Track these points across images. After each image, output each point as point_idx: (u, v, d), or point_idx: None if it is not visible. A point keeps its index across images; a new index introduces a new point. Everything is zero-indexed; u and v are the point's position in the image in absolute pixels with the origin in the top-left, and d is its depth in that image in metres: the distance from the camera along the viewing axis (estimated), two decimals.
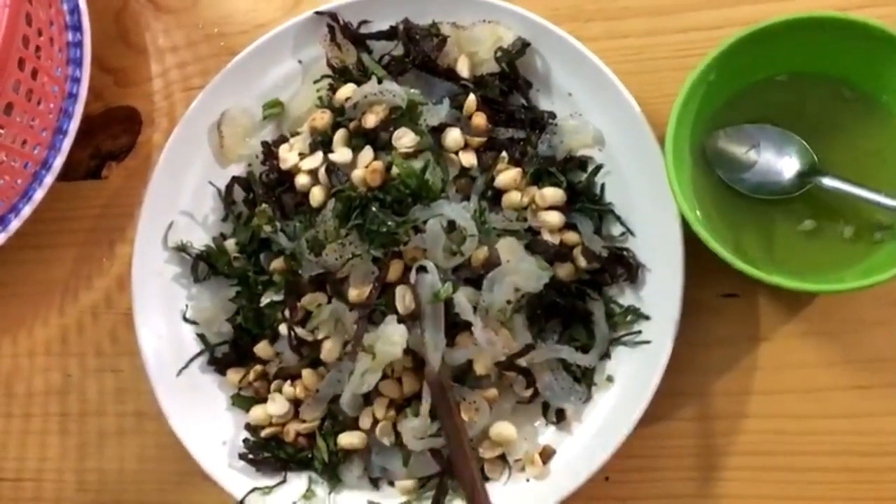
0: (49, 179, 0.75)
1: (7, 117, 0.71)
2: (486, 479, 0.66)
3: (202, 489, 0.70)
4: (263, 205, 0.70)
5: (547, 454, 0.65)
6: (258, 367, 0.70)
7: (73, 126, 0.75)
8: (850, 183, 0.61)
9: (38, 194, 0.75)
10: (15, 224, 0.74)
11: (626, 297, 0.66)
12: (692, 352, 0.66)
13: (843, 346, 0.65)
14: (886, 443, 0.64)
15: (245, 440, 0.70)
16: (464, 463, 0.63)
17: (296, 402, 0.69)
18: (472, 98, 0.68)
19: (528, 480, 0.65)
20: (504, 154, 0.67)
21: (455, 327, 0.63)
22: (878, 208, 0.60)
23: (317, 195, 0.67)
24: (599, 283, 0.66)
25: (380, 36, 0.71)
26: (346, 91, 0.69)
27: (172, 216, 0.73)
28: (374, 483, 0.68)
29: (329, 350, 0.66)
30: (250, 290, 0.70)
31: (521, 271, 0.63)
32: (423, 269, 0.63)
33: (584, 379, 0.65)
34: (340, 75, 0.72)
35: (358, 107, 0.68)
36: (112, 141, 0.80)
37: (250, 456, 0.69)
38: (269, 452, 0.69)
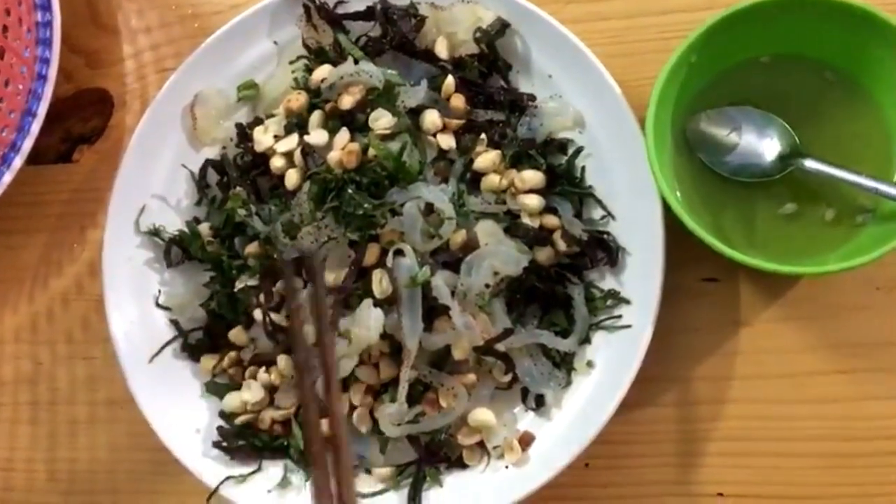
0: (18, 163, 0.73)
1: None
2: (465, 465, 0.65)
3: (176, 478, 0.68)
4: (238, 188, 0.69)
5: (526, 441, 0.64)
6: (232, 354, 0.69)
7: (43, 108, 0.73)
8: (832, 165, 0.60)
9: (7, 178, 0.73)
10: None
11: (607, 282, 0.65)
12: (672, 336, 0.65)
13: (824, 330, 0.65)
14: (868, 427, 0.64)
15: (219, 428, 0.68)
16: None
17: (271, 389, 0.68)
18: (450, 79, 0.67)
19: (507, 467, 0.64)
20: (483, 136, 0.66)
21: (433, 312, 0.62)
22: (859, 191, 0.59)
23: (292, 178, 0.66)
24: (579, 267, 0.65)
25: (357, 16, 0.70)
26: (322, 72, 0.68)
27: (145, 200, 0.71)
28: None
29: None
30: (224, 274, 0.69)
31: (499, 255, 0.62)
32: (400, 252, 0.62)
33: (564, 364, 0.65)
34: (316, 56, 0.70)
35: (334, 88, 0.66)
36: (83, 124, 0.79)
37: (224, 444, 0.68)
38: (244, 440, 0.67)
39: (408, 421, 0.63)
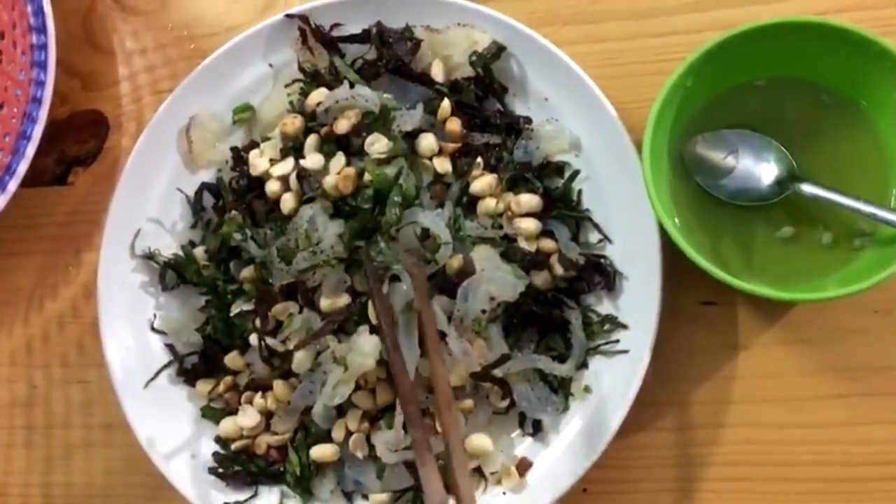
0: (13, 185, 0.73)
1: None
2: None
3: (171, 503, 0.68)
4: (233, 212, 0.69)
5: (524, 466, 0.64)
6: (228, 379, 0.68)
7: (38, 131, 0.73)
8: (829, 189, 0.60)
9: (2, 201, 0.72)
10: None
11: (604, 306, 0.65)
12: (670, 360, 0.65)
13: (822, 354, 0.65)
14: (867, 452, 0.63)
15: (215, 453, 0.68)
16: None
17: (267, 415, 0.67)
18: (446, 103, 0.67)
19: (504, 493, 0.64)
20: (479, 160, 0.66)
21: None
22: (857, 215, 0.59)
23: (288, 202, 0.66)
24: (576, 292, 0.65)
25: (352, 39, 0.70)
26: (318, 95, 0.67)
27: (140, 223, 0.71)
28: (348, 497, 0.66)
29: (301, 361, 0.64)
30: (220, 299, 0.68)
31: (496, 280, 0.62)
32: (396, 278, 0.61)
33: (561, 389, 0.64)
34: (312, 79, 0.70)
35: (330, 112, 0.66)
36: (78, 146, 0.78)
37: (220, 469, 0.67)
38: (240, 466, 0.67)
39: (404, 447, 0.63)
